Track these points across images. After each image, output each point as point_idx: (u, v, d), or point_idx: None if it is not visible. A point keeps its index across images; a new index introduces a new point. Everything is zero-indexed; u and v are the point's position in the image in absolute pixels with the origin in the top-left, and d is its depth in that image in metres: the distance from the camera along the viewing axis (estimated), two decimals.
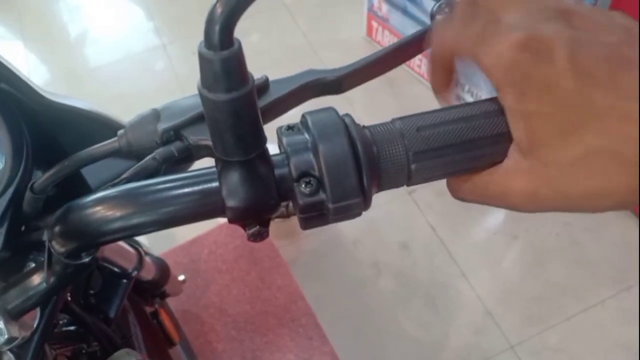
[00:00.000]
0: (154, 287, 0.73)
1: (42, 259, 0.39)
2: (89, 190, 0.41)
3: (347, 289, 1.40)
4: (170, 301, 0.88)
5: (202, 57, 0.21)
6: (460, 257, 1.44)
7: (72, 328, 0.51)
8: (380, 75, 0.34)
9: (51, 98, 0.38)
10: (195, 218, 0.27)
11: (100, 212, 0.27)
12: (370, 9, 1.82)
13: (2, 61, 0.35)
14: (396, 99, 1.71)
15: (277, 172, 0.26)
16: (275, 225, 1.48)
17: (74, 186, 0.42)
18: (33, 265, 0.39)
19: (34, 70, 2.04)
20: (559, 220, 1.49)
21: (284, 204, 0.28)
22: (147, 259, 0.65)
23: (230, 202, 0.25)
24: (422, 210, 1.52)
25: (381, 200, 1.53)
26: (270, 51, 1.86)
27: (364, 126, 0.27)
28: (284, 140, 0.26)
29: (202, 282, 1.18)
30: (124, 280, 0.58)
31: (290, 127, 0.27)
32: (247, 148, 0.24)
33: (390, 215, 1.53)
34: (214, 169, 0.26)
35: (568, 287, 1.38)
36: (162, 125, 0.29)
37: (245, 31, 1.98)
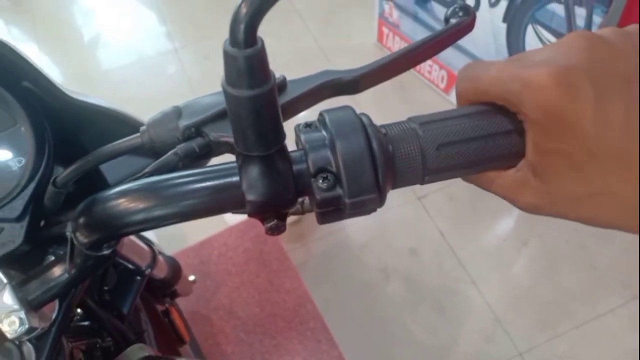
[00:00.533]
0: (165, 286, 0.73)
1: (62, 252, 0.40)
2: (107, 187, 0.42)
3: (355, 293, 1.40)
4: (180, 302, 0.89)
5: (227, 55, 0.22)
6: (469, 263, 1.43)
7: (86, 323, 0.52)
8: (395, 76, 0.34)
9: (73, 96, 0.39)
10: (216, 211, 0.27)
11: (123, 204, 0.27)
12: (381, 14, 1.83)
13: (26, 59, 0.36)
14: (405, 104, 1.71)
15: (295, 167, 0.26)
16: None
17: (93, 182, 0.43)
18: (53, 258, 0.40)
19: (47, 72, 2.06)
20: (569, 227, 1.48)
21: (299, 200, 0.28)
22: (160, 257, 0.65)
23: (250, 196, 0.26)
24: (431, 216, 1.52)
25: (390, 205, 1.53)
26: (281, 55, 1.87)
27: (380, 125, 0.28)
28: (302, 137, 0.27)
29: (211, 283, 1.19)
30: (138, 278, 0.59)
31: (308, 125, 0.28)
32: (268, 143, 0.25)
33: (400, 220, 1.53)
34: (234, 164, 0.27)
35: (578, 294, 1.37)
36: (184, 122, 0.30)
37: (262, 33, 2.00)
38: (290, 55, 1.93)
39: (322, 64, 1.89)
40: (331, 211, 0.27)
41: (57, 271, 0.34)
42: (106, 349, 0.51)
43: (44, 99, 0.38)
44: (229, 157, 0.30)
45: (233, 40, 0.22)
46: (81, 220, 0.28)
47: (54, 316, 0.38)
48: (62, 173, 0.35)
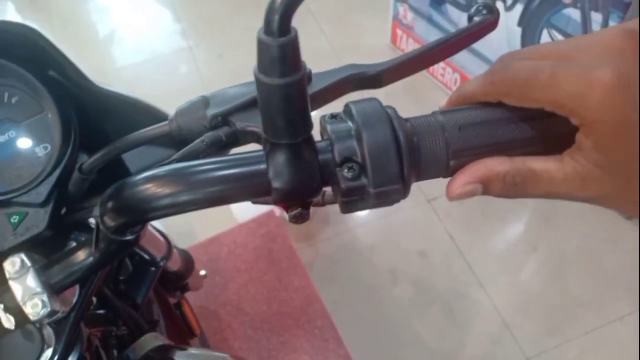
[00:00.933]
0: (178, 279, 0.74)
1: (83, 238, 0.41)
2: (129, 176, 0.42)
3: (363, 294, 1.40)
4: (189, 296, 0.89)
5: (261, 43, 0.22)
6: (478, 267, 1.43)
7: (101, 311, 0.53)
8: (418, 71, 0.35)
9: (99, 85, 0.40)
10: (241, 197, 0.28)
11: (151, 188, 0.28)
12: (396, 16, 1.83)
13: (56, 47, 0.37)
14: (416, 105, 1.71)
15: (321, 157, 0.27)
16: (293, 228, 1.49)
17: (114, 171, 0.44)
18: (74, 244, 0.40)
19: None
20: (579, 232, 1.48)
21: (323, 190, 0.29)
22: (175, 250, 0.66)
23: (276, 183, 0.26)
24: (441, 219, 1.52)
25: (400, 207, 1.53)
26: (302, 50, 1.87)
27: (405, 118, 0.28)
28: (328, 127, 0.27)
29: (220, 280, 1.20)
30: (153, 268, 0.59)
31: (333, 116, 0.28)
32: (296, 132, 0.25)
33: (409, 222, 1.53)
34: (261, 152, 0.27)
35: (587, 300, 1.36)
36: (211, 111, 0.30)
37: None
38: (304, 55, 1.93)
39: (335, 64, 1.89)
40: (355, 200, 0.27)
41: (81, 256, 0.34)
42: (120, 337, 0.51)
43: (71, 87, 0.39)
44: (249, 147, 0.31)
45: (267, 29, 0.22)
46: (109, 204, 0.29)
47: (74, 301, 0.39)
48: (88, 159, 0.36)
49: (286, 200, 0.27)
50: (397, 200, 0.28)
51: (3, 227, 0.37)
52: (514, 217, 1.55)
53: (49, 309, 0.34)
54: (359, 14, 2.06)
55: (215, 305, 1.16)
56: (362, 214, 1.56)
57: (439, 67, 1.75)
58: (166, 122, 0.32)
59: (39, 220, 0.37)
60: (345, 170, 0.26)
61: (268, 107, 0.24)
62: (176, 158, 0.30)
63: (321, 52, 1.93)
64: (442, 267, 1.44)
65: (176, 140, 0.44)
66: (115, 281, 0.57)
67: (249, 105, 0.31)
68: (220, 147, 0.30)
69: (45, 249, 0.38)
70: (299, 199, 0.27)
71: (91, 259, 0.34)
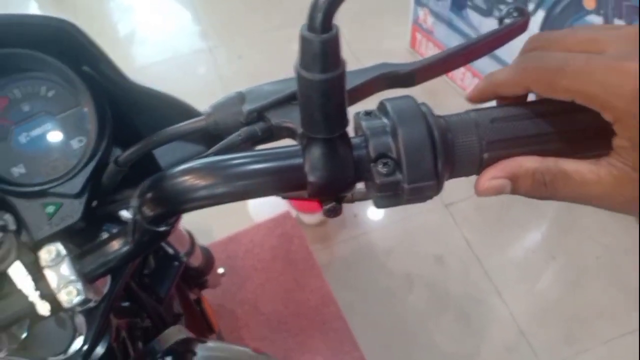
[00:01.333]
0: (198, 275, 0.75)
1: (114, 230, 0.42)
2: (159, 170, 0.43)
3: (378, 297, 1.40)
4: (207, 294, 0.90)
5: (304, 39, 0.23)
6: (495, 274, 1.42)
7: (126, 304, 0.54)
8: (450, 71, 0.35)
9: (133, 81, 0.41)
10: (276, 191, 0.28)
11: (190, 180, 0.29)
12: (415, 21, 1.83)
13: (93, 42, 0.37)
14: (436, 109, 1.71)
15: (355, 153, 0.27)
16: (309, 229, 1.50)
17: (144, 165, 0.45)
18: (106, 235, 0.41)
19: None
20: (600, 243, 1.46)
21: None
22: (197, 246, 0.67)
23: (312, 177, 0.27)
24: (458, 224, 1.51)
25: (417, 211, 1.53)
26: None
27: (438, 115, 0.29)
28: (363, 124, 0.28)
29: (238, 279, 1.20)
30: (176, 263, 0.60)
31: (367, 113, 0.29)
32: (333, 127, 0.26)
33: (426, 227, 1.52)
34: (297, 147, 0.28)
35: (605, 310, 1.34)
36: (247, 107, 0.31)
37: (289, 38, 2.03)
38: None
39: (354, 67, 1.90)
40: (389, 196, 0.27)
41: (115, 246, 0.35)
42: (145, 330, 0.52)
43: (106, 81, 0.40)
44: (279, 144, 0.31)
45: (311, 25, 0.23)
46: (149, 194, 0.30)
47: (104, 291, 0.40)
48: (125, 152, 0.36)
49: (320, 194, 0.28)
50: (430, 197, 0.28)
51: (39, 216, 0.38)
52: (533, 224, 1.53)
53: (83, 297, 0.35)
54: (379, 18, 2.07)
55: (233, 304, 1.17)
56: (378, 217, 1.56)
57: (458, 72, 1.75)
58: (203, 116, 0.33)
59: (73, 210, 0.38)
60: (380, 166, 0.27)
61: (308, 101, 0.25)
62: (213, 152, 0.31)
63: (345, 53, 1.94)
64: (459, 273, 1.43)
65: (205, 137, 0.45)
66: (140, 275, 0.57)
67: (284, 101, 0.31)
68: (255, 142, 0.31)
69: (77, 240, 0.39)
70: (332, 193, 0.28)
71: (126, 248, 0.34)
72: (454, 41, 1.71)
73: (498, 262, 1.44)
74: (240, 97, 0.32)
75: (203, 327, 0.72)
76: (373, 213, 1.58)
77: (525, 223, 1.53)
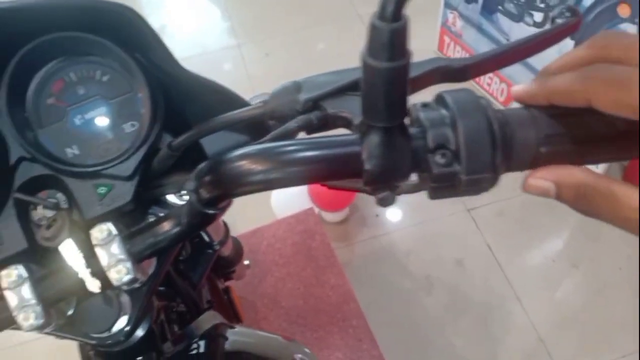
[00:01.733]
0: (227, 265, 0.76)
1: (161, 214, 0.43)
2: (205, 158, 0.44)
3: (397, 298, 1.40)
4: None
5: (373, 28, 0.23)
6: (515, 280, 1.41)
7: (162, 288, 0.55)
8: (502, 67, 0.35)
9: (185, 69, 0.42)
10: (331, 177, 0.29)
11: (247, 164, 0.29)
12: (444, 23, 1.83)
13: (150, 27, 0.38)
14: None
15: (413, 143, 0.28)
16: (331, 228, 1.50)
17: (190, 152, 0.46)
18: (153, 218, 0.42)
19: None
20: (623, 254, 1.44)
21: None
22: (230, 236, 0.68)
23: (368, 165, 0.27)
24: (480, 229, 1.50)
25: (438, 214, 1.52)
26: (341, 57, 1.89)
27: (497, 109, 0.29)
28: (422, 115, 0.28)
29: (259, 272, 1.22)
30: (210, 251, 0.61)
31: (424, 105, 0.29)
32: (394, 115, 0.26)
33: (447, 231, 1.52)
34: (354, 135, 0.29)
35: (627, 323, 1.32)
36: (304, 96, 0.32)
37: (315, 38, 2.04)
38: (352, 59, 1.95)
39: None
40: (445, 187, 0.28)
41: (165, 227, 0.36)
42: (180, 314, 0.53)
43: (159, 68, 0.41)
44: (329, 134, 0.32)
45: (382, 14, 0.23)
46: (207, 177, 0.31)
47: (151, 272, 0.41)
48: (179, 137, 0.37)
49: (376, 182, 0.28)
50: (486, 189, 0.28)
51: (90, 197, 0.39)
52: (555, 232, 1.52)
53: (132, 276, 0.36)
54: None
55: (254, 296, 1.18)
56: (399, 219, 1.56)
57: (485, 77, 1.74)
58: (260, 104, 0.34)
59: (124, 192, 0.39)
60: (438, 157, 0.27)
61: (371, 89, 0.25)
62: (268, 138, 0.32)
63: None
64: (479, 278, 1.43)
65: (249, 127, 0.45)
66: (176, 261, 0.59)
67: (339, 92, 0.32)
68: (311, 130, 0.32)
69: (125, 221, 0.40)
70: (388, 181, 0.28)
71: (176, 230, 0.35)
72: (482, 45, 1.70)
73: (519, 269, 1.43)
74: (296, 86, 0.33)
75: (231, 316, 0.73)
76: (394, 214, 1.58)
77: (547, 230, 1.51)
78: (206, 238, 0.59)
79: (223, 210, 0.34)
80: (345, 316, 1.17)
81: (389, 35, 0.24)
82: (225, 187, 0.30)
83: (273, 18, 2.18)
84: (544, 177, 0.28)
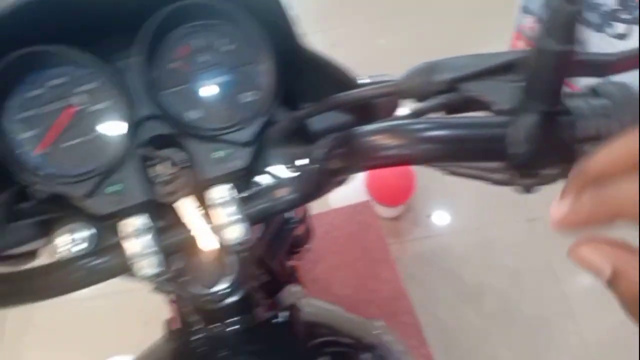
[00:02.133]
0: (296, 244, 0.77)
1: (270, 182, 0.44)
2: (309, 136, 0.45)
3: (446, 300, 1.38)
4: None
5: (554, 10, 0.23)
6: (572, 297, 1.37)
7: None
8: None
9: (307, 46, 0.42)
10: (472, 157, 0.29)
11: (382, 139, 0.30)
12: (519, 27, 1.78)
13: (280, 4, 0.39)
14: None
15: (562, 131, 0.28)
16: (384, 223, 1.50)
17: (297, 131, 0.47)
18: (259, 187, 0.43)
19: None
20: None
21: None
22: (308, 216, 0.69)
23: (514, 149, 0.27)
24: (540, 241, 1.46)
25: (495, 222, 1.49)
26: (409, 53, 1.88)
27: None
28: (574, 104, 0.28)
29: (314, 257, 1.23)
30: (289, 227, 0.62)
31: (578, 94, 0.29)
32: (551, 101, 0.26)
33: (504, 239, 1.49)
34: (499, 119, 0.29)
35: None
36: (439, 77, 0.32)
37: (378, 32, 2.03)
38: (420, 56, 1.93)
39: None
40: None
41: (282, 192, 0.37)
42: (264, 284, 0.55)
43: (283, 41, 0.42)
44: None
45: None
46: (339, 149, 0.31)
47: (257, 237, 0.42)
48: (304, 109, 0.38)
49: (520, 167, 0.28)
50: None
51: (208, 159, 0.41)
52: None
53: (245, 236, 0.37)
54: (482, 20, 2.02)
55: (305, 280, 1.20)
56: (451, 222, 1.54)
57: None
58: (395, 81, 0.34)
59: (241, 157, 0.40)
60: (589, 148, 0.27)
61: (537, 72, 0.25)
62: (403, 116, 0.32)
63: (435, 53, 1.91)
64: (534, 290, 1.39)
65: (355, 107, 0.46)
66: None
67: (476, 75, 0.32)
68: (448, 111, 0.32)
69: (237, 186, 0.41)
70: (532, 167, 0.28)
71: (292, 196, 0.36)
72: None
73: (577, 286, 1.39)
74: (430, 68, 0.33)
75: None
76: (447, 217, 1.56)
77: None
78: (287, 214, 0.60)
79: (343, 182, 0.35)
80: (395, 311, 1.17)
81: (568, 18, 0.23)
82: (357, 159, 0.31)
83: (340, 10, 2.19)
84: (599, 253, 0.22)
